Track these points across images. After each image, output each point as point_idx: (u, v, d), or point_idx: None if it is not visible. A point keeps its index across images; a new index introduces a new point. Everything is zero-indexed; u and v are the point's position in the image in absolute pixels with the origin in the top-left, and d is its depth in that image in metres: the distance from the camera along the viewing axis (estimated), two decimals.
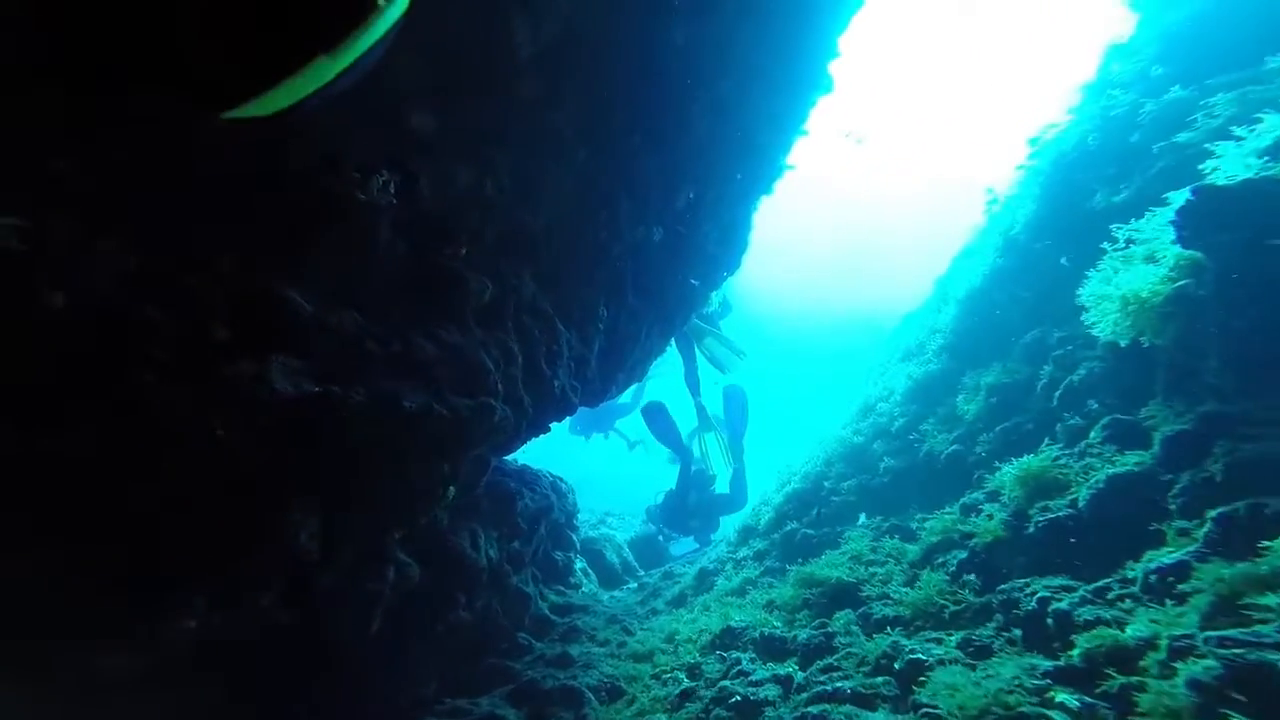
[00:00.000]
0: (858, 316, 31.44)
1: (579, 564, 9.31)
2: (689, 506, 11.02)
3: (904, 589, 3.98)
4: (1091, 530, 3.27)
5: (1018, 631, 3.13)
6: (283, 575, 2.86)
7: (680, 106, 5.23)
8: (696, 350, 9.02)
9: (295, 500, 2.74)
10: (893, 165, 29.40)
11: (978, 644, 3.17)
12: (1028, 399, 4.75)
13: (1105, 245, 4.05)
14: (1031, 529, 3.47)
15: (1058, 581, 3.16)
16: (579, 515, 11.04)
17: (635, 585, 8.85)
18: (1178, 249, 3.47)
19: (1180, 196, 3.44)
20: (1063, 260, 5.04)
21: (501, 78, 3.73)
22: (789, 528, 6.54)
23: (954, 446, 5.07)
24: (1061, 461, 3.75)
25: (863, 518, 5.75)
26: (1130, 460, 3.40)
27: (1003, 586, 3.35)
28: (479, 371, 3.74)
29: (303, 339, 2.70)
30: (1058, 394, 4.40)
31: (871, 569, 4.63)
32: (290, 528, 2.71)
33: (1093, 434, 3.86)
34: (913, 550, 4.44)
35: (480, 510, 5.15)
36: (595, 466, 20.59)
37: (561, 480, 7.96)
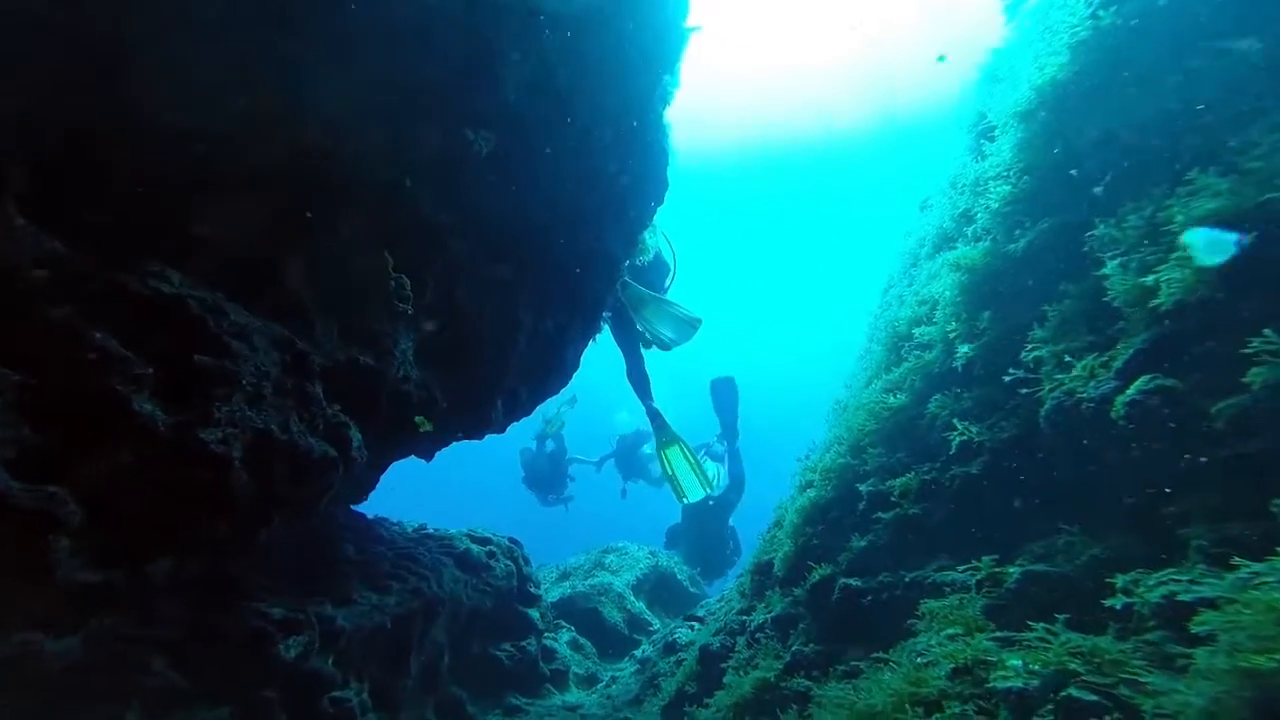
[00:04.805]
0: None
1: (563, 638, 6.79)
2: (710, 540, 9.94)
3: None
4: None
5: None
6: None
7: None
8: (640, 328, 5.87)
9: None
10: None
11: None
12: None
13: None
14: None
15: None
16: (555, 567, 8.57)
17: (637, 662, 6.28)
18: None
19: None
20: None
21: None
22: (819, 574, 3.80)
23: (1143, 385, 2.09)
24: None
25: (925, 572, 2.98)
26: None
27: None
28: None
29: None
30: None
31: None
32: None
33: None
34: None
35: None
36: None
37: (479, 544, 5.38)
